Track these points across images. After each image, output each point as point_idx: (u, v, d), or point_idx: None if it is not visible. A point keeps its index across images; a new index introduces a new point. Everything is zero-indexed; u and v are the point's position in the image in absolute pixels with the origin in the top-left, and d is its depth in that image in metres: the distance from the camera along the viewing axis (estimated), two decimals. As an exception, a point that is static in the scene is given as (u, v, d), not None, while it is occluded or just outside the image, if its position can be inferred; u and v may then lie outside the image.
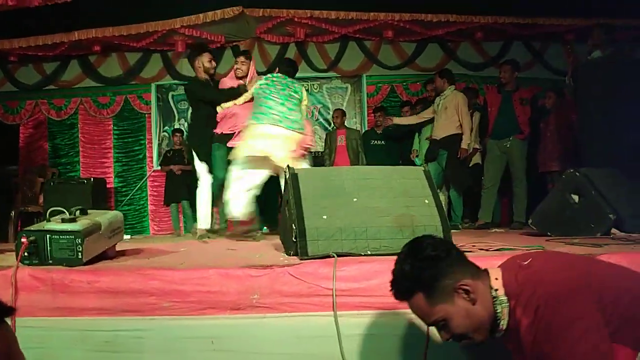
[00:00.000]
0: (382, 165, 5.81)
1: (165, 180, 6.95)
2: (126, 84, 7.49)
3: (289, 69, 4.32)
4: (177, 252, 2.92)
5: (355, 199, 2.37)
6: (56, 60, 7.40)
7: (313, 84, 7.45)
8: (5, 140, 7.54)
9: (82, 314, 1.93)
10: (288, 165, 2.55)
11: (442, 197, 4.86)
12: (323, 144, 6.82)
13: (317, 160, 6.85)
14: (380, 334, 1.88)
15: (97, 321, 1.91)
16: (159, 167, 7.28)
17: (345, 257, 2.02)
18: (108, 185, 7.26)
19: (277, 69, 4.36)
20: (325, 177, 2.56)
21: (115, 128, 7.61)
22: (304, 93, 4.20)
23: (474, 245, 2.48)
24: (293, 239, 2.27)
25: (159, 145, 7.46)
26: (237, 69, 4.54)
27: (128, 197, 7.33)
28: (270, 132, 3.85)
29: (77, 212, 2.24)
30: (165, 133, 7.52)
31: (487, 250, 2.35)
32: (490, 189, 5.15)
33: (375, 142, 6.51)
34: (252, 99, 4.14)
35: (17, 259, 2.03)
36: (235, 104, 4.26)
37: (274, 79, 4.12)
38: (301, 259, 2.11)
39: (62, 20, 6.47)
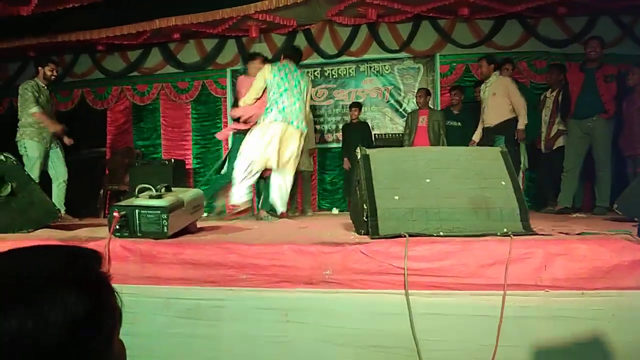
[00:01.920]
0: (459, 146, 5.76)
1: None
2: (203, 69, 7.77)
3: (295, 56, 4.42)
4: (252, 229, 3.04)
5: (427, 180, 2.35)
6: (139, 48, 7.83)
7: (384, 65, 7.36)
8: (94, 125, 8.10)
9: (167, 283, 2.08)
10: (360, 146, 2.56)
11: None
12: (402, 125, 6.83)
13: (396, 140, 6.81)
14: (451, 314, 1.87)
15: (180, 290, 2.05)
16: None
17: (417, 237, 2.02)
18: (187, 166, 7.61)
19: (282, 56, 4.43)
20: (398, 158, 2.55)
21: (193, 112, 7.94)
22: (310, 84, 4.38)
23: (553, 229, 2.39)
24: (364, 218, 2.29)
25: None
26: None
27: (205, 178, 7.65)
28: (283, 129, 4.02)
29: (163, 190, 2.40)
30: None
31: (567, 234, 2.25)
32: (571, 172, 4.87)
33: (452, 123, 6.34)
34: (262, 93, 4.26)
35: (109, 231, 2.22)
36: (246, 103, 4.37)
37: (286, 70, 4.18)
38: (372, 238, 2.13)
39: (143, 9, 6.82)
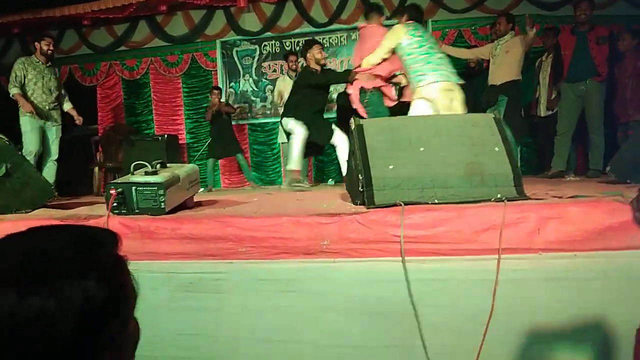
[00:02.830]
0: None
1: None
2: (192, 42, 7.66)
3: (418, 15, 3.96)
4: (249, 202, 3.06)
5: (421, 148, 2.36)
6: (126, 21, 7.68)
7: (375, 33, 7.27)
8: (84, 102, 7.99)
9: (167, 258, 2.10)
10: (353, 117, 2.56)
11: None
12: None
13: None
14: (448, 279, 1.92)
15: (180, 264, 2.08)
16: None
17: (412, 206, 2.04)
18: (180, 142, 7.58)
19: (406, 16, 3.91)
20: (391, 127, 2.55)
21: (184, 86, 7.86)
22: None
23: (547, 193, 2.42)
24: (360, 188, 2.31)
25: (226, 101, 7.64)
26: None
27: (200, 153, 7.63)
28: (450, 87, 3.61)
29: (158, 166, 2.40)
30: (231, 89, 7.68)
31: (560, 197, 2.28)
32: (564, 136, 4.90)
33: None
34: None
35: (107, 209, 2.23)
36: (371, 63, 3.94)
37: (420, 29, 3.76)
38: (368, 208, 2.16)
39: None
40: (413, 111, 3.70)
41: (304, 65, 4.96)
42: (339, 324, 1.93)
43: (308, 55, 4.76)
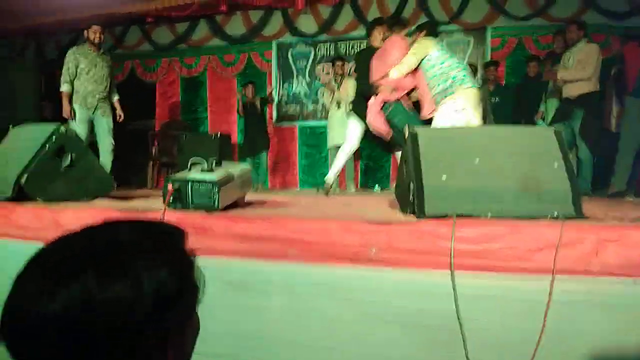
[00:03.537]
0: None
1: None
2: (249, 42, 7.81)
3: (435, 32, 4.20)
4: (297, 204, 3.10)
5: (477, 160, 2.32)
6: (187, 20, 7.94)
7: (432, 38, 7.18)
8: (143, 97, 8.33)
9: (218, 255, 2.16)
10: (408, 125, 2.55)
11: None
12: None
13: None
14: (497, 296, 1.87)
15: (230, 262, 2.13)
16: (279, 124, 7.65)
17: (464, 219, 2.01)
18: (232, 141, 7.74)
19: (424, 31, 4.10)
20: (446, 136, 2.53)
21: (239, 85, 8.03)
22: None
23: (606, 214, 2.32)
24: (410, 197, 2.30)
25: (279, 102, 7.75)
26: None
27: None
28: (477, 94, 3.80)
29: (214, 164, 2.47)
30: (285, 90, 7.78)
31: (620, 219, 2.19)
32: (627, 153, 4.66)
33: (489, 99, 6.17)
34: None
35: (164, 203, 2.31)
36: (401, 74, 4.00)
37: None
38: (418, 218, 2.14)
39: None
40: (442, 121, 3.70)
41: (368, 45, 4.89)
42: (382, 334, 1.92)
43: (376, 32, 4.70)
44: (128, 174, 7.15)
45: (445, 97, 3.73)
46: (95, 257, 0.60)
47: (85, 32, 4.91)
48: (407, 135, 2.48)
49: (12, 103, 6.88)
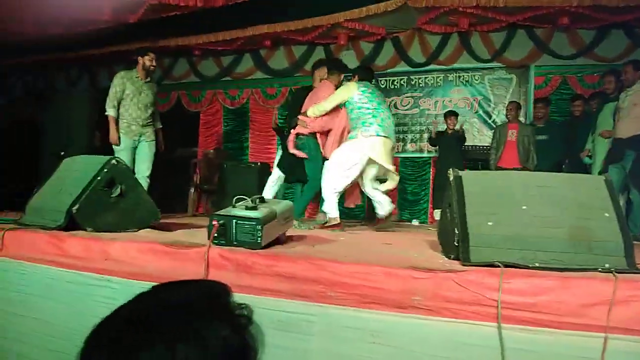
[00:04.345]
0: (544, 162, 5.48)
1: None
2: (291, 76, 7.99)
3: (367, 76, 4.56)
4: (336, 241, 3.09)
5: (524, 207, 2.27)
6: (232, 54, 8.21)
7: (474, 75, 7.17)
8: (188, 126, 8.59)
9: (260, 294, 2.16)
10: (452, 168, 2.53)
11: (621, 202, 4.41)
12: (490, 137, 6.62)
13: (482, 154, 6.63)
14: (545, 353, 1.80)
15: (272, 301, 2.13)
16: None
17: (512, 269, 1.96)
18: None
19: (356, 76, 4.51)
20: (492, 181, 2.49)
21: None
22: None
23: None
24: (455, 242, 2.26)
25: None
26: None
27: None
28: (385, 144, 4.13)
29: (257, 201, 2.50)
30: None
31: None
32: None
33: (537, 136, 6.06)
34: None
35: (209, 239, 2.35)
36: (315, 115, 4.42)
37: (371, 87, 4.33)
38: (463, 264, 2.10)
39: (238, 18, 7.13)
40: (342, 150, 4.15)
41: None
42: (425, 383, 1.87)
43: (316, 73, 5.02)
44: (170, 199, 7.32)
45: (350, 138, 4.17)
46: (157, 323, 0.61)
47: (140, 58, 4.89)
48: (451, 178, 2.46)
49: (69, 133, 7.25)
